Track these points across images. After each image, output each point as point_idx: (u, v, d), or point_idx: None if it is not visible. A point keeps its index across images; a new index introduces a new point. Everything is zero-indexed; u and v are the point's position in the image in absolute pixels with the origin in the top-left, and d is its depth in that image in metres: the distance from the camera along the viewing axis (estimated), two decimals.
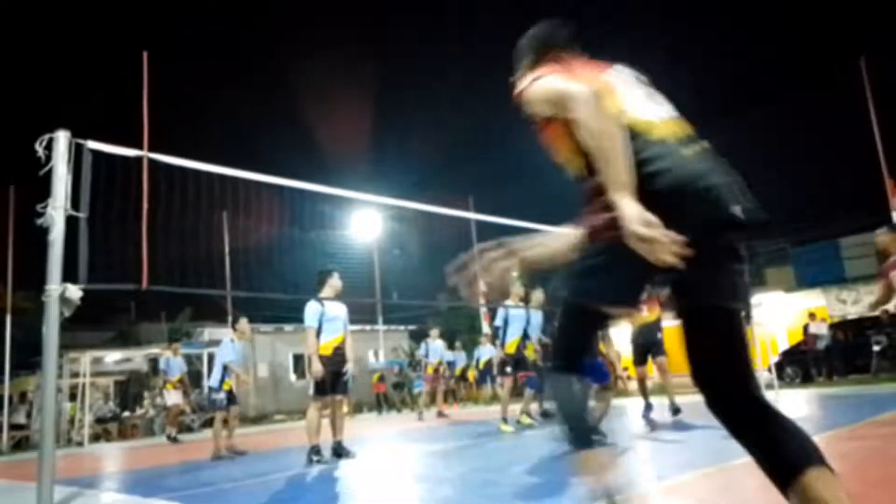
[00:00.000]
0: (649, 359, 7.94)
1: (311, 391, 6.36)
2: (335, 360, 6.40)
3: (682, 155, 1.76)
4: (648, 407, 7.76)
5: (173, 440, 11.98)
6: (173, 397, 12.19)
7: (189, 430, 15.43)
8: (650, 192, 1.64)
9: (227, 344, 8.27)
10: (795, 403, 8.63)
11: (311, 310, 6.42)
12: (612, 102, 1.79)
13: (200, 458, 7.93)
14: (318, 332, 6.36)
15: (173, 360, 11.99)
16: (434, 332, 14.17)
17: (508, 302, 8.26)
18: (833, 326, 15.16)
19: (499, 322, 8.53)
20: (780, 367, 13.92)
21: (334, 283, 6.63)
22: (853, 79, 11.99)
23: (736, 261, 1.79)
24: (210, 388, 8.31)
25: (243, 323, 8.41)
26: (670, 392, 7.74)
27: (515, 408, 8.70)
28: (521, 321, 8.41)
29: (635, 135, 1.74)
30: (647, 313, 7.98)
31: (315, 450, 6.20)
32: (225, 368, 8.17)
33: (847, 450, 4.45)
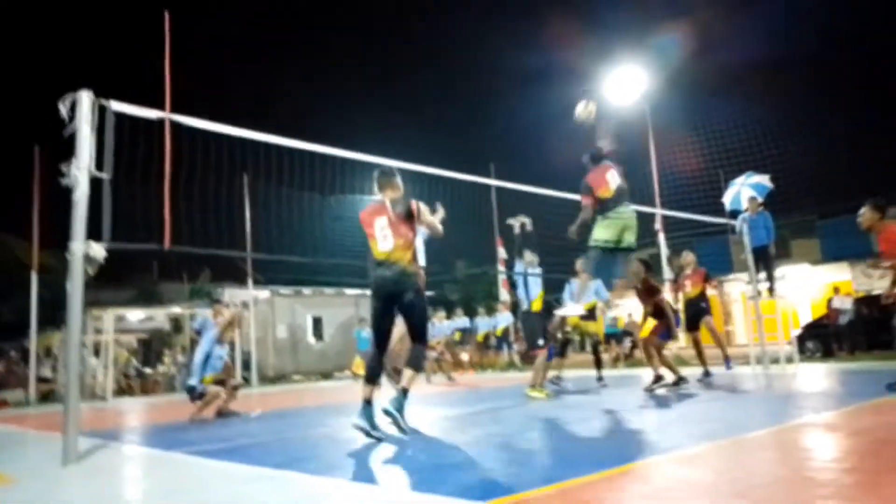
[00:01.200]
0: (701, 326, 8.68)
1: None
2: None
3: (378, 270, 4.94)
4: (706, 374, 8.28)
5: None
6: None
7: None
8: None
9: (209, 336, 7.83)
10: (815, 377, 8.57)
11: None
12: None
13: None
14: None
15: (212, 323, 11.21)
16: (440, 313, 14.59)
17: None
18: (858, 301, 14.95)
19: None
20: (801, 340, 13.80)
21: None
22: (888, 48, 11.59)
23: (398, 297, 4.91)
24: (189, 388, 7.72)
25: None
26: (723, 346, 8.85)
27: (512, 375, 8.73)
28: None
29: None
30: (689, 289, 8.47)
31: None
32: (207, 361, 7.71)
33: (867, 424, 4.41)
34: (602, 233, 6.36)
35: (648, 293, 8.02)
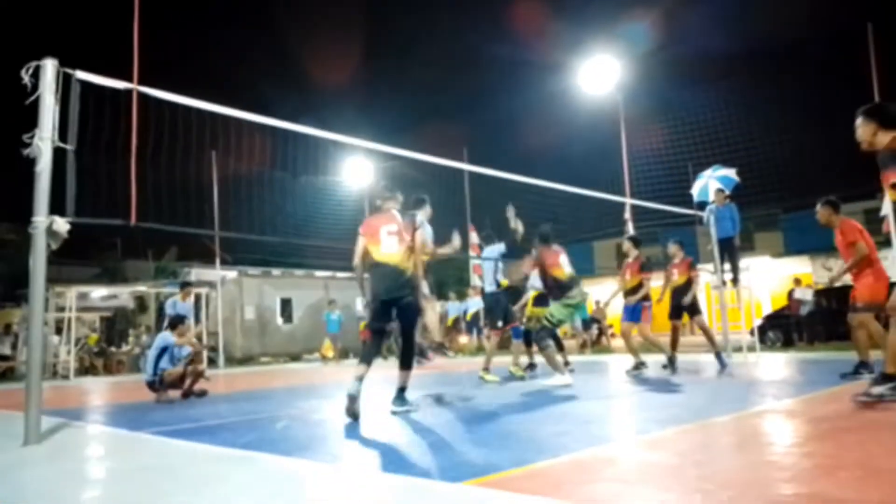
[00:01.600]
0: (684, 315, 8.68)
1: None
2: None
3: (378, 272, 5.23)
4: (670, 360, 8.23)
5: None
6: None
7: None
8: None
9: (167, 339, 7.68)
10: (776, 366, 8.80)
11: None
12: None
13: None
14: None
15: (181, 305, 10.57)
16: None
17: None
18: (818, 293, 15.35)
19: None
20: (762, 330, 14.14)
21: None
22: (857, 45, 11.83)
23: (392, 304, 5.21)
24: (149, 383, 7.52)
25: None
26: (714, 344, 8.60)
27: (497, 359, 8.80)
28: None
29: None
30: (677, 277, 8.66)
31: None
32: (160, 358, 7.48)
33: (825, 412, 4.55)
34: (560, 313, 7.13)
35: (640, 270, 8.34)
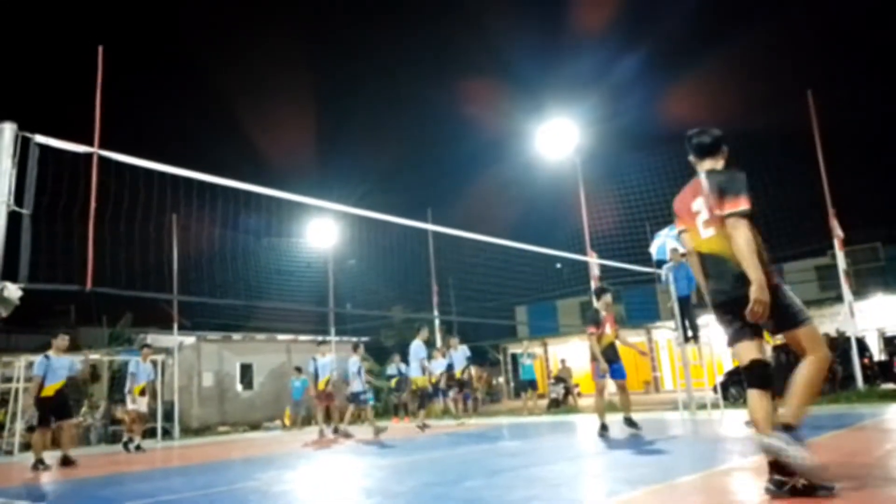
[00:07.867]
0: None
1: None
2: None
3: None
4: (604, 427, 7.69)
5: (138, 448, 11.50)
6: (140, 403, 12.01)
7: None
8: None
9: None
10: (739, 422, 8.83)
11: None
12: None
13: (138, 468, 7.64)
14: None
15: (143, 366, 12.13)
16: (454, 340, 15.14)
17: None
18: (776, 349, 15.59)
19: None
20: (724, 386, 14.26)
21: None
22: (801, 111, 12.54)
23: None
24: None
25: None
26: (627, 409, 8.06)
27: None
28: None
29: None
30: (610, 331, 7.97)
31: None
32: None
33: None
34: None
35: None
